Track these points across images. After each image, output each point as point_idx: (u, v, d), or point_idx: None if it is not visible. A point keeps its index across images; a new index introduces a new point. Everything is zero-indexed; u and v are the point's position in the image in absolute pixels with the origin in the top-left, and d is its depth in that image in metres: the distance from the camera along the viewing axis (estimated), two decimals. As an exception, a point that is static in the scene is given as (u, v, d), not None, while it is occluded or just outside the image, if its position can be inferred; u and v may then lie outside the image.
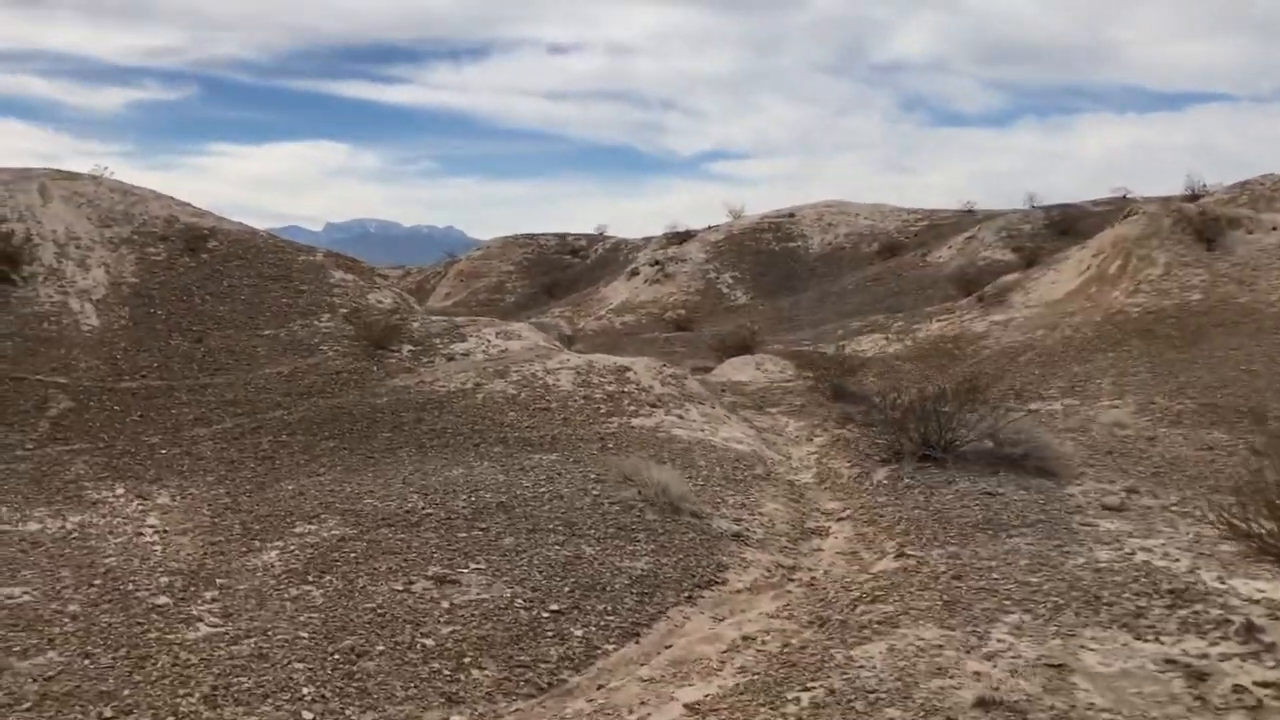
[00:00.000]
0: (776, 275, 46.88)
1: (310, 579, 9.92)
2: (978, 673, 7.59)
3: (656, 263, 46.63)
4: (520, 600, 9.47)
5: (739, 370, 26.93)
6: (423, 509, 12.37)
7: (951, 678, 7.52)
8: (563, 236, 57.22)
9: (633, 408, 18.29)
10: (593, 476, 13.89)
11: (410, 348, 20.96)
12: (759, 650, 8.75)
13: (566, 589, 9.82)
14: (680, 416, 18.16)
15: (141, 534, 11.52)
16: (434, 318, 24.03)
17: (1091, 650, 7.94)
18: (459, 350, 21.00)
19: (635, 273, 47.00)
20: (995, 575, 9.80)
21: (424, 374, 19.76)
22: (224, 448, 15.80)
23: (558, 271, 53.41)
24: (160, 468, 14.76)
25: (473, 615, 9.09)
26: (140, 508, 12.80)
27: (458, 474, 14.14)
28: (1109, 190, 48.80)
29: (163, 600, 9.21)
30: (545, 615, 9.22)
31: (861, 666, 7.82)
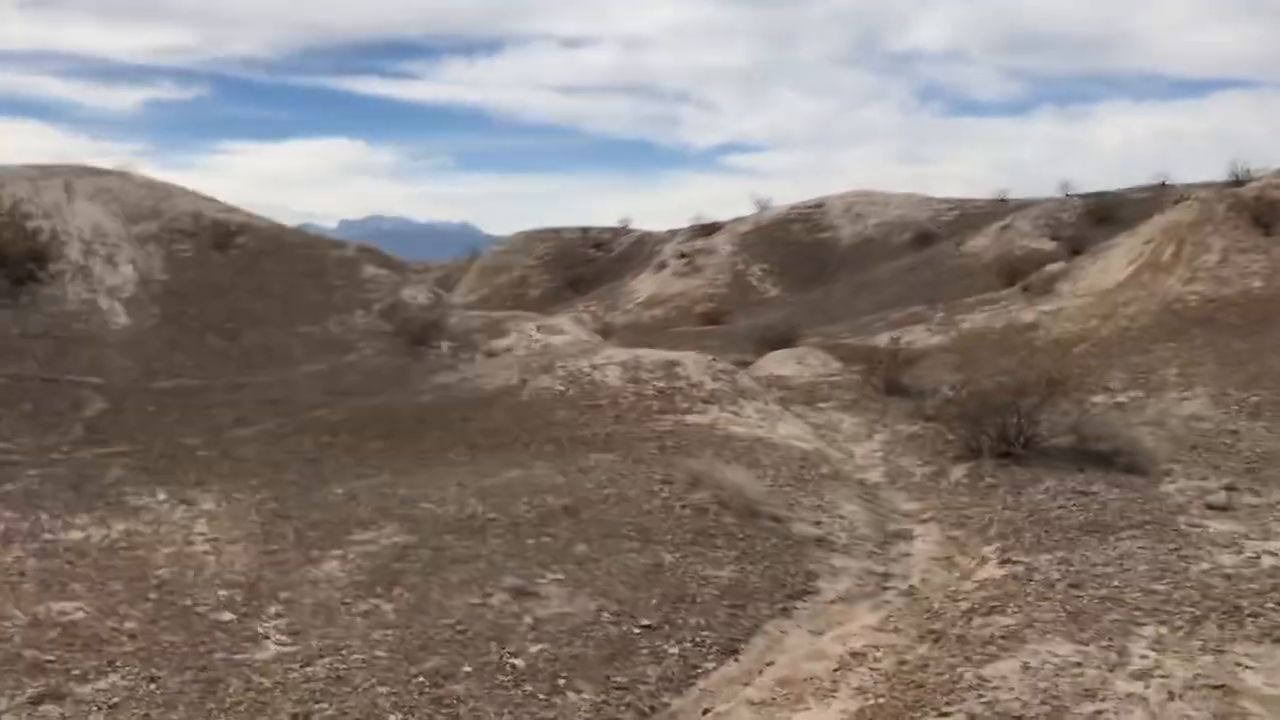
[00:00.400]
0: (807, 267, 46.10)
1: (379, 592, 9.26)
2: (1131, 694, 6.88)
3: (684, 255, 45.91)
4: (607, 614, 8.79)
5: (781, 364, 26.13)
6: (485, 514, 11.70)
7: (1103, 700, 6.81)
8: (585, 230, 56.49)
9: (685, 404, 17.58)
10: (658, 478, 13.20)
11: (450, 344, 20.33)
12: (872, 668, 8.05)
13: (654, 601, 9.13)
14: (735, 413, 17.45)
15: (191, 543, 10.87)
16: (471, 313, 23.41)
17: (1251, 669, 7.22)
18: (500, 346, 20.35)
19: (662, 266, 46.28)
20: (1116, 583, 9.07)
21: (466, 371, 19.12)
22: (266, 449, 15.18)
23: (581, 265, 52.71)
24: (202, 471, 14.12)
25: (560, 631, 8.42)
26: (186, 514, 12.16)
27: (515, 475, 13.48)
28: (1149, 177, 47.70)
29: (226, 616, 8.57)
30: (636, 631, 8.54)
31: (997, 688, 7.12)
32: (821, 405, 21.15)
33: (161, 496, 12.96)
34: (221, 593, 9.18)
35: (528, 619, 8.65)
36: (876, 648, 8.47)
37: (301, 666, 7.69)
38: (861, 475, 15.09)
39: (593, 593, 9.24)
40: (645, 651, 8.21)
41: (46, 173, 24.27)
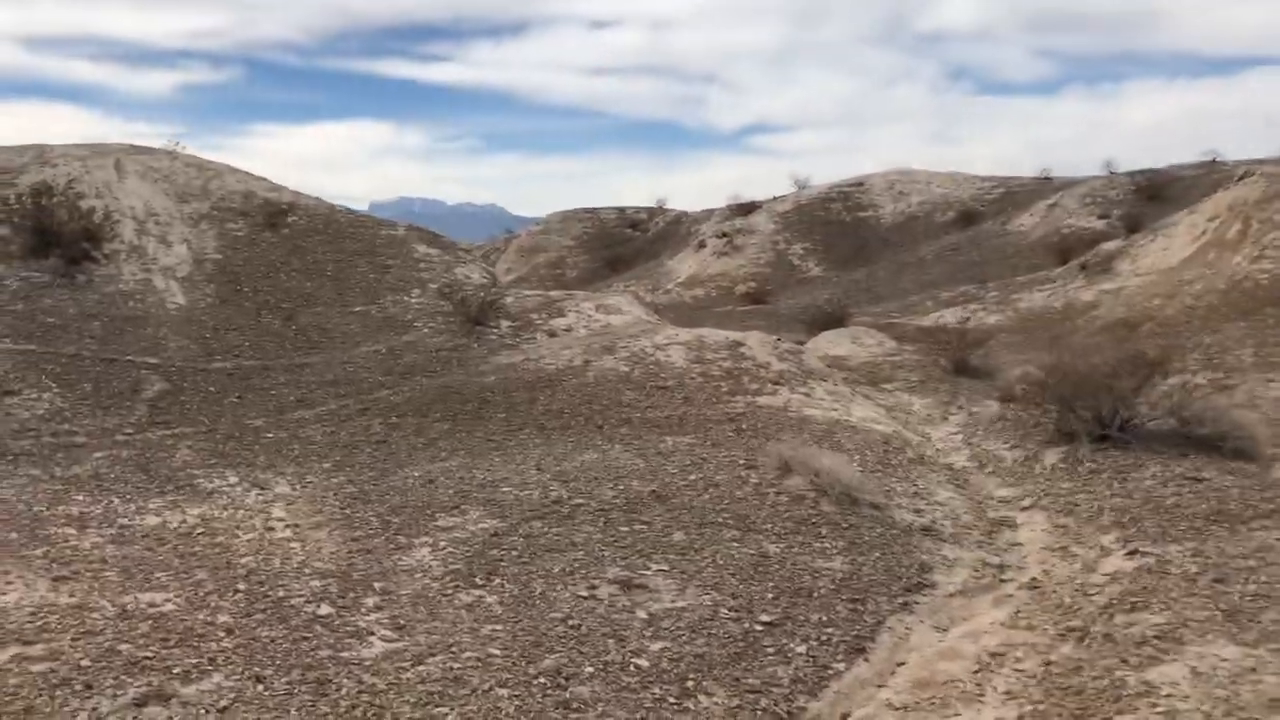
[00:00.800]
0: (848, 246, 45.34)
1: (478, 582, 8.82)
2: (1320, 704, 6.33)
3: (724, 235, 45.23)
4: (725, 610, 8.31)
5: (834, 344, 25.52)
6: (570, 499, 11.25)
7: (1292, 711, 6.27)
8: (622, 210, 55.87)
9: (754, 385, 17.06)
10: (741, 462, 12.70)
11: (508, 323, 19.86)
12: (1016, 670, 7.53)
13: (769, 595, 8.65)
14: (807, 395, 16.91)
15: (272, 528, 10.48)
16: (527, 292, 22.93)
17: None
18: (559, 326, 19.87)
19: (702, 245, 45.63)
20: (1263, 578, 8.51)
21: (527, 351, 18.65)
22: (333, 431, 14.78)
23: (618, 245, 52.12)
24: (270, 453, 13.75)
25: (679, 628, 7.95)
26: (261, 498, 11.78)
27: (591, 459, 13.02)
28: (1196, 154, 46.56)
29: (324, 610, 8.14)
30: (758, 628, 8.06)
31: (1170, 695, 6.59)
32: (886, 386, 20.58)
33: (233, 480, 12.59)
34: (314, 583, 8.76)
35: (641, 614, 8.18)
36: (1014, 646, 7.95)
37: (413, 665, 7.26)
38: (946, 460, 14.53)
39: (703, 586, 8.76)
40: (771, 650, 7.72)
41: (96, 151, 23.95)
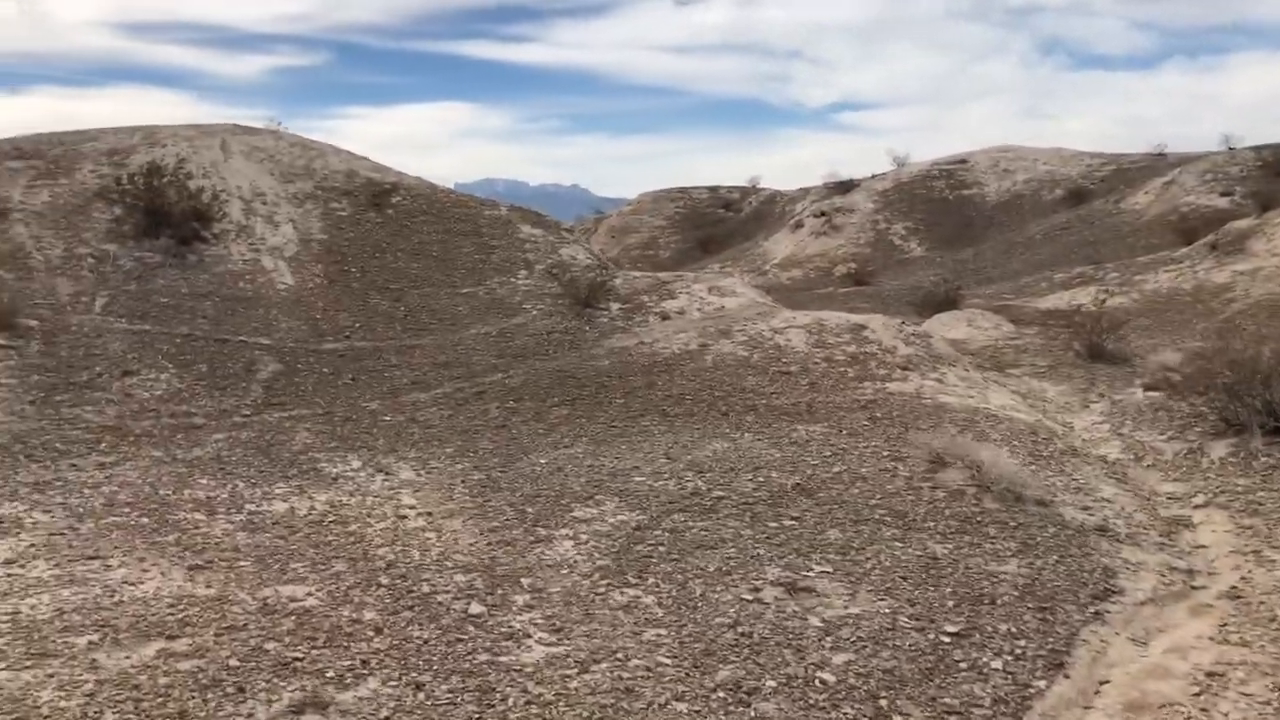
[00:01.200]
0: (951, 225, 43.88)
1: (631, 580, 8.26)
2: None
3: (822, 214, 44.12)
4: (904, 618, 7.62)
5: (949, 327, 24.48)
6: (709, 491, 10.64)
7: None
8: (714, 189, 54.92)
9: (882, 371, 16.24)
10: (885, 453, 11.96)
11: (619, 306, 19.31)
12: (1242, 693, 6.72)
13: (949, 603, 7.92)
14: (939, 381, 16.04)
15: (404, 517, 10.06)
16: (635, 274, 22.35)
17: None
18: (671, 308, 19.25)
19: (799, 225, 44.59)
20: None
21: (640, 334, 18.08)
22: (450, 415, 14.40)
23: (711, 225, 51.25)
24: (390, 437, 13.40)
25: (859, 638, 7.28)
26: (387, 484, 11.40)
27: (722, 447, 12.40)
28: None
29: (475, 609, 7.65)
30: (945, 639, 7.35)
31: None
32: (1013, 371, 19.57)
33: (356, 464, 12.26)
34: (458, 578, 8.28)
35: (814, 621, 7.53)
36: (1232, 666, 7.12)
37: (579, 673, 6.71)
38: (1098, 451, 13.58)
39: (875, 590, 8.08)
40: (964, 665, 7.01)
41: (203, 132, 23.97)
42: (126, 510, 10.15)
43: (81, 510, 10.14)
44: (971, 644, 7.30)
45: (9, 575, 8.25)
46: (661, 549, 8.94)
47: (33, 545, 9.01)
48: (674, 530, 9.45)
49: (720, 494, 10.51)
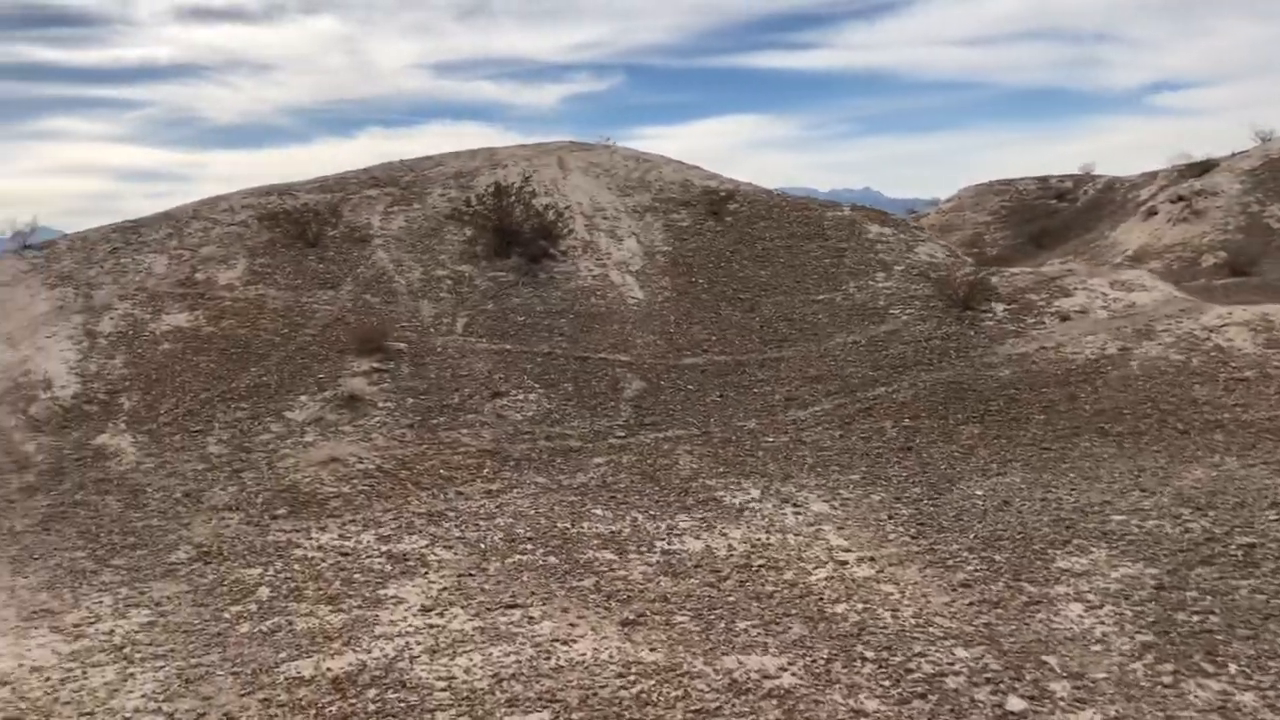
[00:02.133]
0: (1345, 204, 37.46)
1: (1204, 666, 6.13)
2: None
3: (1180, 199, 38.97)
4: None
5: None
6: (1227, 534, 8.27)
7: None
8: (1044, 179, 50.28)
9: (1371, 375, 12.97)
10: None
11: (1003, 307, 16.93)
12: None
13: None
14: None
15: (844, 562, 8.43)
16: (1012, 271, 19.84)
17: None
18: (1069, 307, 16.63)
19: (1152, 212, 39.60)
20: None
21: (1039, 338, 15.65)
22: (841, 435, 12.71)
23: (1043, 218, 46.80)
24: (780, 461, 11.89)
25: None
26: (799, 518, 9.84)
27: (1205, 476, 9.93)
28: None
29: (1015, 704, 5.82)
30: None
31: None
32: None
33: (754, 492, 10.81)
34: (959, 652, 6.50)
35: None
36: None
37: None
38: None
39: None
40: None
41: (539, 150, 23.84)
42: (529, 546, 9.18)
43: (483, 546, 9.28)
44: None
45: (431, 627, 7.32)
46: (1214, 619, 6.75)
47: (445, 589, 8.13)
48: (1212, 591, 7.21)
49: (1247, 539, 8.12)
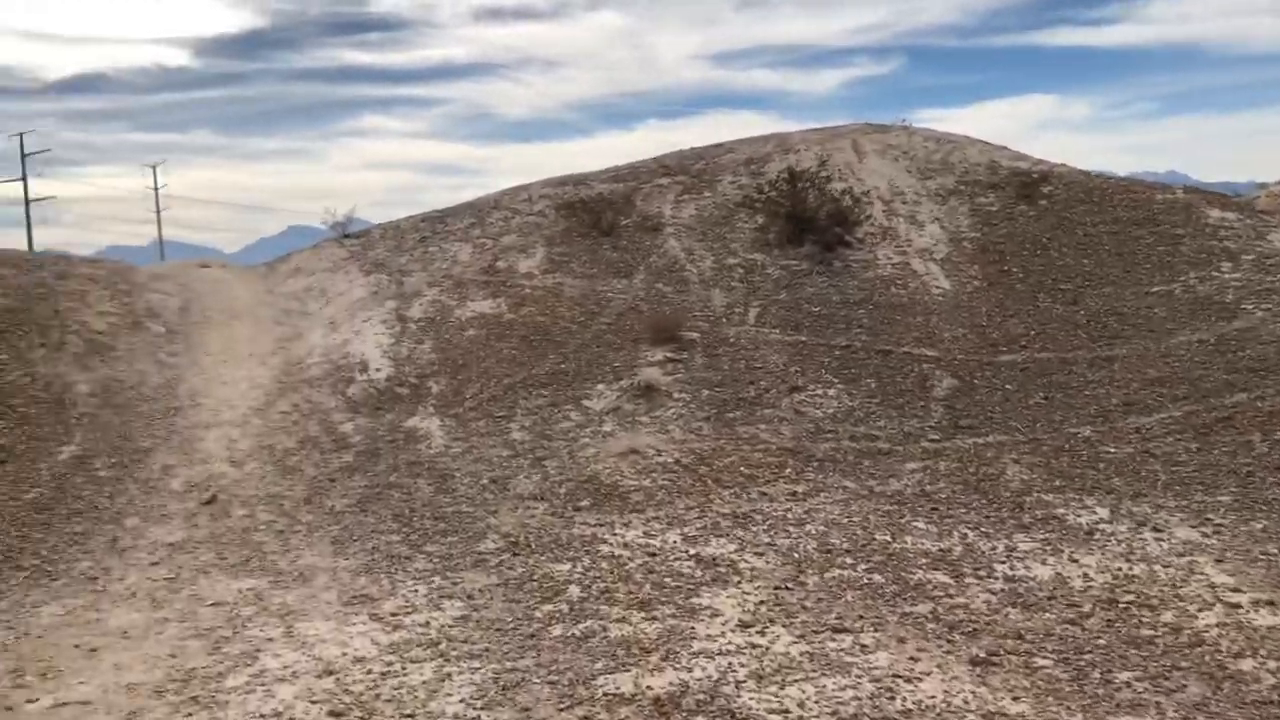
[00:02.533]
0: None
1: None
2: None
3: None
4: None
5: None
6: None
7: None
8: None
9: None
10: None
11: (1392, 302, 14.35)
12: None
13: None
14: None
15: (1236, 605, 7.05)
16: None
17: None
18: None
19: None
20: None
21: None
22: (1198, 448, 11.01)
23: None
24: (1127, 476, 10.42)
25: None
26: (1164, 546, 8.46)
27: None
28: None
29: None
30: None
31: None
32: None
33: (1101, 512, 9.46)
34: None
35: None
36: None
37: None
38: None
39: None
40: None
41: (830, 134, 22.84)
42: (848, 560, 8.37)
43: (796, 555, 8.56)
44: None
45: (753, 646, 6.67)
46: None
47: (762, 603, 7.47)
48: None
49: None
